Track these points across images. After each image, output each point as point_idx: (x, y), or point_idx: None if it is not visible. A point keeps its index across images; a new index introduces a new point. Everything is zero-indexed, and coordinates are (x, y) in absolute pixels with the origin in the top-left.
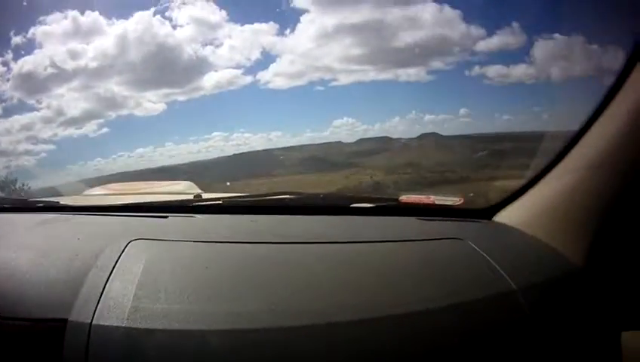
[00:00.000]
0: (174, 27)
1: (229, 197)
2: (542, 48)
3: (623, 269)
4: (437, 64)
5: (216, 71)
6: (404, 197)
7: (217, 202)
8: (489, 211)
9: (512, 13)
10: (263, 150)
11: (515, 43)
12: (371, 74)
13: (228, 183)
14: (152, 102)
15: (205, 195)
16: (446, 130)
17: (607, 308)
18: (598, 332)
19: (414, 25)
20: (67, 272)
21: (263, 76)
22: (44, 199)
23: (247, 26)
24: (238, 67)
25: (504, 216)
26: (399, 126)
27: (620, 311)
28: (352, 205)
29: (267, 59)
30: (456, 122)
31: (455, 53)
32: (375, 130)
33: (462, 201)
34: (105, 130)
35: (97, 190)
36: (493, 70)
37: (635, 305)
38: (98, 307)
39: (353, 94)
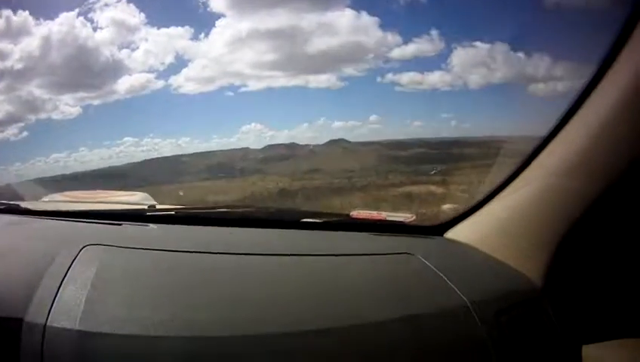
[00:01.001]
0: (95, 29)
1: (182, 208)
2: (460, 56)
3: (580, 284)
4: (349, 71)
5: (130, 75)
6: (355, 213)
7: (171, 213)
8: (441, 228)
9: (431, 20)
10: (172, 156)
11: (431, 50)
12: (281, 80)
13: (181, 193)
14: (69, 105)
15: (160, 206)
16: (355, 137)
17: (566, 323)
18: (557, 347)
19: (329, 31)
20: (23, 274)
21: (175, 81)
22: (1, 201)
23: (164, 30)
24: (151, 71)
25: (456, 233)
26: (307, 132)
27: (580, 325)
28: (302, 219)
29: (180, 63)
30: (366, 128)
31: (368, 60)
32: (283, 137)
33: (413, 218)
34: (25, 133)
35: (56, 196)
36: (407, 77)
37: (596, 317)
38: (52, 309)
39: (262, 100)
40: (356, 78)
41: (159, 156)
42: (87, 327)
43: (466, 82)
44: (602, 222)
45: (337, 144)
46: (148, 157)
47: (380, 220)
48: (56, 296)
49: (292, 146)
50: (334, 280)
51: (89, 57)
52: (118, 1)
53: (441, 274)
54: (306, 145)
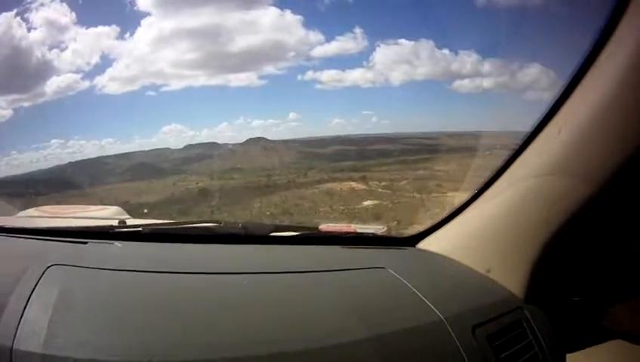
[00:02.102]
0: (29, 29)
1: (149, 225)
2: (383, 53)
3: (564, 290)
4: (269, 69)
5: (58, 75)
6: (324, 226)
7: (137, 229)
8: (413, 239)
9: (355, 19)
10: (95, 158)
11: (354, 48)
12: (202, 79)
13: (145, 211)
14: (1, 108)
15: (129, 221)
16: (274, 135)
17: (550, 331)
18: (539, 359)
19: (252, 29)
20: None
21: (100, 81)
22: None
23: (92, 29)
24: (78, 71)
25: (429, 244)
26: (227, 131)
27: (565, 333)
28: (272, 234)
29: (105, 63)
30: (285, 126)
31: (289, 58)
32: (203, 136)
33: (385, 229)
34: None
35: (31, 212)
36: (328, 75)
37: (579, 326)
38: (17, 331)
39: (183, 100)
40: (276, 77)
41: (83, 158)
42: (52, 351)
43: (387, 79)
44: (585, 225)
45: (257, 142)
46: (73, 160)
47: (349, 233)
48: (21, 318)
49: (212, 146)
50: (306, 298)
51: (22, 58)
52: (52, 1)
53: (414, 289)
54: (226, 144)
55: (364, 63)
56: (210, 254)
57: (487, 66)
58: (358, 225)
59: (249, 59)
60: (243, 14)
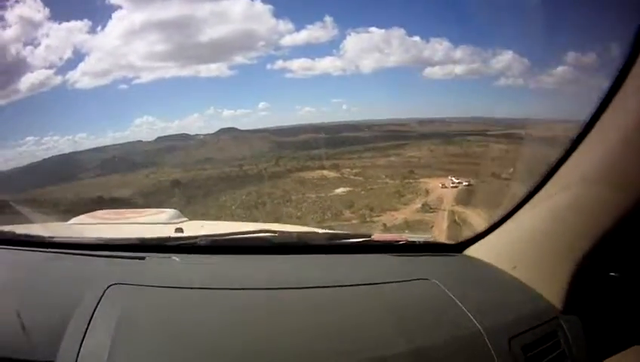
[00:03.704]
0: (4, 27)
1: (206, 236)
2: (353, 41)
3: (598, 305)
4: (239, 59)
5: (32, 72)
6: (377, 235)
7: (193, 241)
8: (461, 246)
9: (325, 7)
10: (69, 153)
11: (324, 36)
12: (172, 70)
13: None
14: None
15: (186, 227)
16: (244, 125)
17: (582, 344)
18: None
19: (221, 20)
20: (49, 319)
21: (72, 76)
22: (26, 233)
23: (65, 24)
24: (51, 67)
25: (475, 251)
26: (198, 122)
27: (602, 340)
28: (327, 243)
29: (77, 57)
30: (255, 116)
31: (259, 47)
32: (174, 128)
33: (433, 237)
34: None
35: (82, 218)
36: (298, 63)
37: (616, 337)
38: (79, 355)
39: (154, 92)
40: (246, 67)
41: (58, 153)
42: None
43: (358, 67)
44: (628, 237)
45: (227, 133)
46: (47, 156)
47: (400, 241)
48: (82, 341)
49: (183, 137)
50: (355, 312)
51: None
52: None
53: (456, 300)
54: (197, 135)
55: (335, 52)
56: (268, 267)
57: (458, 53)
58: (408, 234)
59: (219, 50)
60: (213, 4)
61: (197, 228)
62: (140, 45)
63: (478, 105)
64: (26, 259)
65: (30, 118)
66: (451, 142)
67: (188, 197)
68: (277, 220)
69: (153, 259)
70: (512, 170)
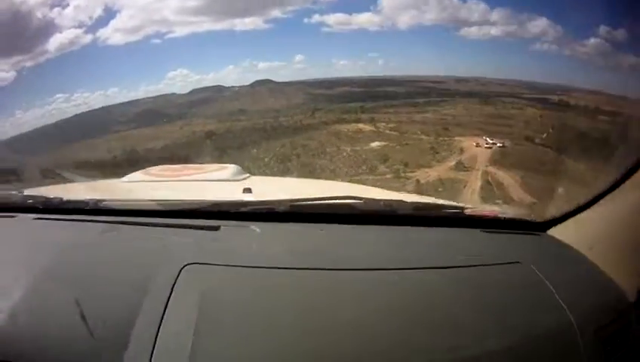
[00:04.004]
0: None
1: (283, 201)
2: None
3: None
4: (275, 13)
5: (60, 32)
6: (470, 210)
7: (271, 206)
8: (546, 224)
9: None
10: (101, 108)
11: None
12: (206, 25)
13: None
14: (4, 71)
15: (251, 185)
16: (280, 77)
17: None
18: None
19: None
20: (116, 307)
21: (103, 33)
22: (75, 199)
23: None
24: (80, 26)
25: (560, 232)
26: (233, 74)
27: None
28: (416, 213)
29: (108, 15)
30: (291, 69)
31: (295, 1)
32: (209, 80)
33: (523, 213)
34: None
35: (136, 176)
36: (334, 18)
37: None
38: (156, 346)
39: (188, 46)
40: (282, 20)
41: (89, 110)
42: None
43: (395, 23)
44: None
45: (263, 85)
46: (78, 112)
47: (491, 217)
48: (158, 332)
49: (218, 89)
50: (447, 299)
51: (23, 21)
52: None
53: (551, 288)
54: (232, 86)
55: (372, 7)
56: (357, 241)
57: (495, 15)
58: (499, 209)
59: (254, 3)
60: None
61: (263, 187)
62: (172, 0)
63: (513, 68)
64: (78, 232)
65: (59, 77)
66: (487, 102)
67: (222, 148)
68: (311, 173)
69: (229, 228)
70: (545, 135)
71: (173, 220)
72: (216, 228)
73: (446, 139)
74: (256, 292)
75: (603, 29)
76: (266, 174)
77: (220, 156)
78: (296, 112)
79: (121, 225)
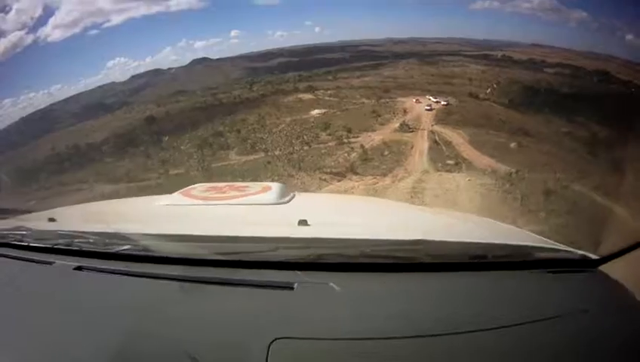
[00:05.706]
0: None
1: (355, 243)
2: None
3: None
4: None
5: (5, 37)
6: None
7: (345, 256)
8: (597, 262)
9: None
10: (45, 108)
11: None
12: (142, 9)
13: None
14: None
15: (305, 213)
16: (217, 54)
17: None
18: None
19: None
20: None
21: (43, 32)
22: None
23: None
24: (22, 28)
25: (611, 268)
26: (171, 56)
27: None
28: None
29: (48, 13)
30: (227, 44)
31: None
32: (146, 64)
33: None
34: None
35: (175, 198)
36: None
37: None
38: None
39: (124, 33)
40: None
41: (34, 110)
42: None
43: None
44: None
45: (200, 63)
46: (24, 115)
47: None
48: None
49: (155, 72)
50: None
51: None
52: None
53: (617, 338)
54: (169, 68)
55: None
56: (427, 293)
57: None
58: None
59: None
60: None
61: (313, 211)
62: None
63: (453, 27)
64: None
65: (4, 81)
66: (427, 62)
67: (162, 132)
68: (252, 146)
69: (306, 287)
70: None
71: (241, 272)
72: (290, 287)
73: (388, 100)
74: None
75: None
76: (208, 153)
77: (157, 142)
78: (235, 87)
79: (201, 285)
